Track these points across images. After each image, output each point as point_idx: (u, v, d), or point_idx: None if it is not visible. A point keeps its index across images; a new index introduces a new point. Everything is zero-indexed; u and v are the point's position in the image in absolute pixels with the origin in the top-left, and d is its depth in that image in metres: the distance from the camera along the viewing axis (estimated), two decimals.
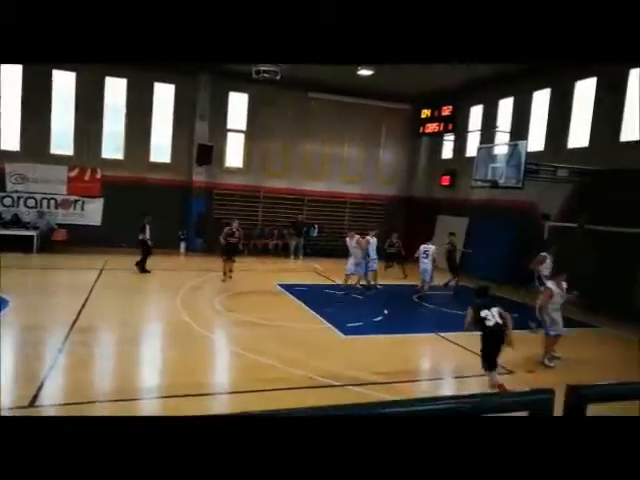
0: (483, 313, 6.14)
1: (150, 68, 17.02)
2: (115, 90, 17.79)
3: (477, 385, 6.76)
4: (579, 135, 13.87)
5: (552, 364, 7.73)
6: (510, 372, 7.25)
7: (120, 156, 18.11)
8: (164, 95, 18.54)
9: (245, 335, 8.58)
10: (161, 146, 18.76)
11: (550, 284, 8.02)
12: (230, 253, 12.97)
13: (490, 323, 6.07)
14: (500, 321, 6.11)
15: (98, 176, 17.68)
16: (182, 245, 18.13)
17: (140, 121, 18.07)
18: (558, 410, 1.31)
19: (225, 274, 12.89)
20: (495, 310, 6.19)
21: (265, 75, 14.08)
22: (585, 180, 12.74)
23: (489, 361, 6.11)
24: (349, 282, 12.69)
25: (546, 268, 9.71)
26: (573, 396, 1.28)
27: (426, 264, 12.40)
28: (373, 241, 13.50)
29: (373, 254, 13.24)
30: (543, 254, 9.41)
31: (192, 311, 9.63)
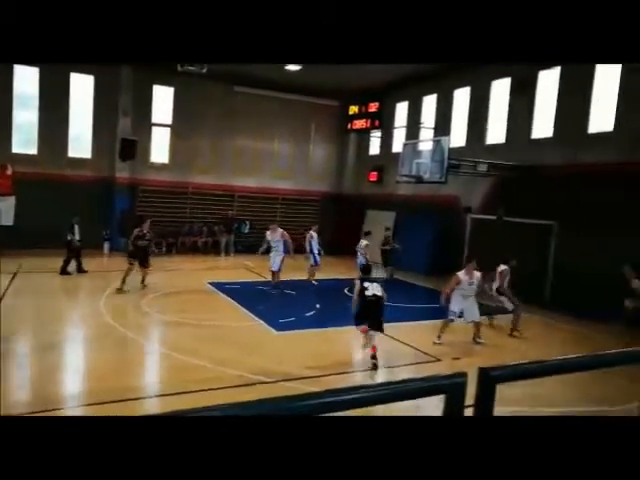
0: (365, 284, 7.46)
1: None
2: (26, 80, 16.57)
3: (407, 374, 7.00)
4: (496, 132, 14.70)
5: (439, 341, 8.37)
6: (437, 360, 7.57)
7: (34, 151, 16.93)
8: (82, 86, 17.51)
9: (175, 336, 8.34)
10: (80, 141, 17.73)
11: (460, 272, 8.55)
12: (139, 258, 11.41)
13: (369, 293, 7.33)
14: (379, 293, 7.39)
15: (9, 172, 16.35)
16: (106, 245, 17.28)
17: (55, 114, 16.97)
18: (471, 391, 1.38)
19: (124, 282, 11.08)
20: (376, 285, 7.50)
21: (190, 68, 13.70)
22: (503, 174, 13.53)
23: (358, 319, 7.42)
24: (277, 279, 12.23)
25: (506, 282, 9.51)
26: (484, 377, 1.36)
27: (359, 258, 13.07)
28: (315, 236, 13.59)
29: (316, 249, 13.34)
30: (505, 267, 9.36)
31: (118, 313, 9.22)
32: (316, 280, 13.43)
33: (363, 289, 7.41)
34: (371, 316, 7.26)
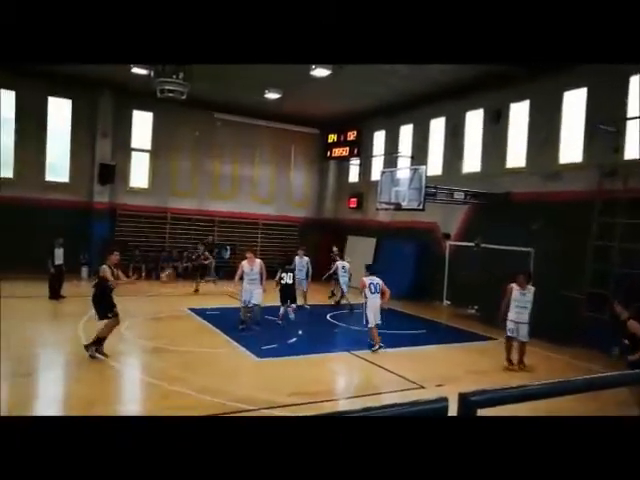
0: (282, 275, 11.43)
1: (43, 81, 16.06)
2: (3, 103, 16.46)
3: (390, 401, 7.00)
4: (472, 161, 15.12)
5: (378, 347, 9.36)
6: (421, 387, 7.59)
7: (10, 174, 16.74)
8: (60, 110, 17.48)
9: (155, 362, 8.23)
10: (58, 165, 17.62)
11: (364, 278, 9.87)
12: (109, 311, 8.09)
13: (283, 282, 11.38)
14: (290, 281, 11.41)
15: None
16: (84, 270, 17.02)
17: (33, 137, 16.87)
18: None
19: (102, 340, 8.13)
20: (290, 274, 11.49)
21: (170, 94, 13.82)
22: (478, 202, 13.88)
23: (287, 299, 11.44)
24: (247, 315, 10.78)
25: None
26: (464, 402, 1.44)
27: (345, 277, 13.85)
28: (297, 260, 13.43)
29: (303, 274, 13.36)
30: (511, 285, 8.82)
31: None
32: (308, 305, 13.73)
33: (280, 278, 11.41)
34: (284, 296, 11.30)
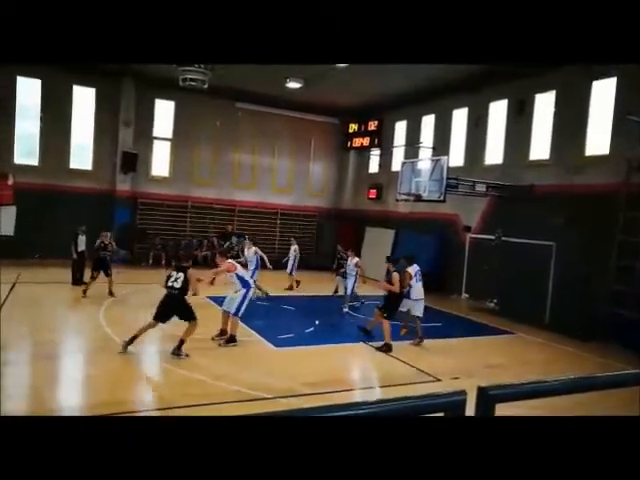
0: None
1: (68, 69, 16.26)
2: (28, 91, 16.75)
3: (406, 392, 6.97)
4: (494, 153, 14.84)
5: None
6: (437, 380, 7.54)
7: (35, 162, 17.05)
8: (84, 99, 17.71)
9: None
10: (82, 152, 17.87)
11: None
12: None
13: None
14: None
15: (10, 182, 16.46)
16: None
17: (57, 125, 17.13)
18: (470, 410, 1.43)
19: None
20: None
21: (192, 83, 13.87)
22: (500, 194, 13.64)
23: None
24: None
25: None
26: (483, 396, 1.40)
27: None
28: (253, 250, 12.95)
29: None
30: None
31: (116, 325, 9.20)
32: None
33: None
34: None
